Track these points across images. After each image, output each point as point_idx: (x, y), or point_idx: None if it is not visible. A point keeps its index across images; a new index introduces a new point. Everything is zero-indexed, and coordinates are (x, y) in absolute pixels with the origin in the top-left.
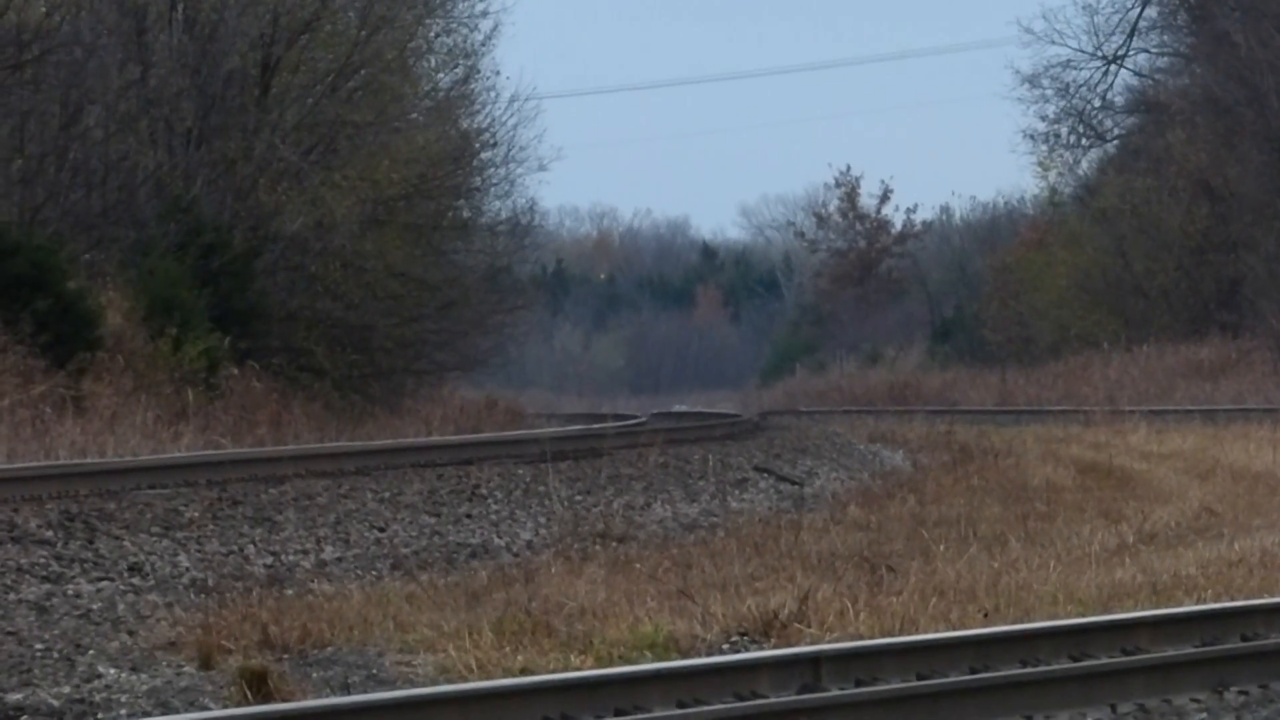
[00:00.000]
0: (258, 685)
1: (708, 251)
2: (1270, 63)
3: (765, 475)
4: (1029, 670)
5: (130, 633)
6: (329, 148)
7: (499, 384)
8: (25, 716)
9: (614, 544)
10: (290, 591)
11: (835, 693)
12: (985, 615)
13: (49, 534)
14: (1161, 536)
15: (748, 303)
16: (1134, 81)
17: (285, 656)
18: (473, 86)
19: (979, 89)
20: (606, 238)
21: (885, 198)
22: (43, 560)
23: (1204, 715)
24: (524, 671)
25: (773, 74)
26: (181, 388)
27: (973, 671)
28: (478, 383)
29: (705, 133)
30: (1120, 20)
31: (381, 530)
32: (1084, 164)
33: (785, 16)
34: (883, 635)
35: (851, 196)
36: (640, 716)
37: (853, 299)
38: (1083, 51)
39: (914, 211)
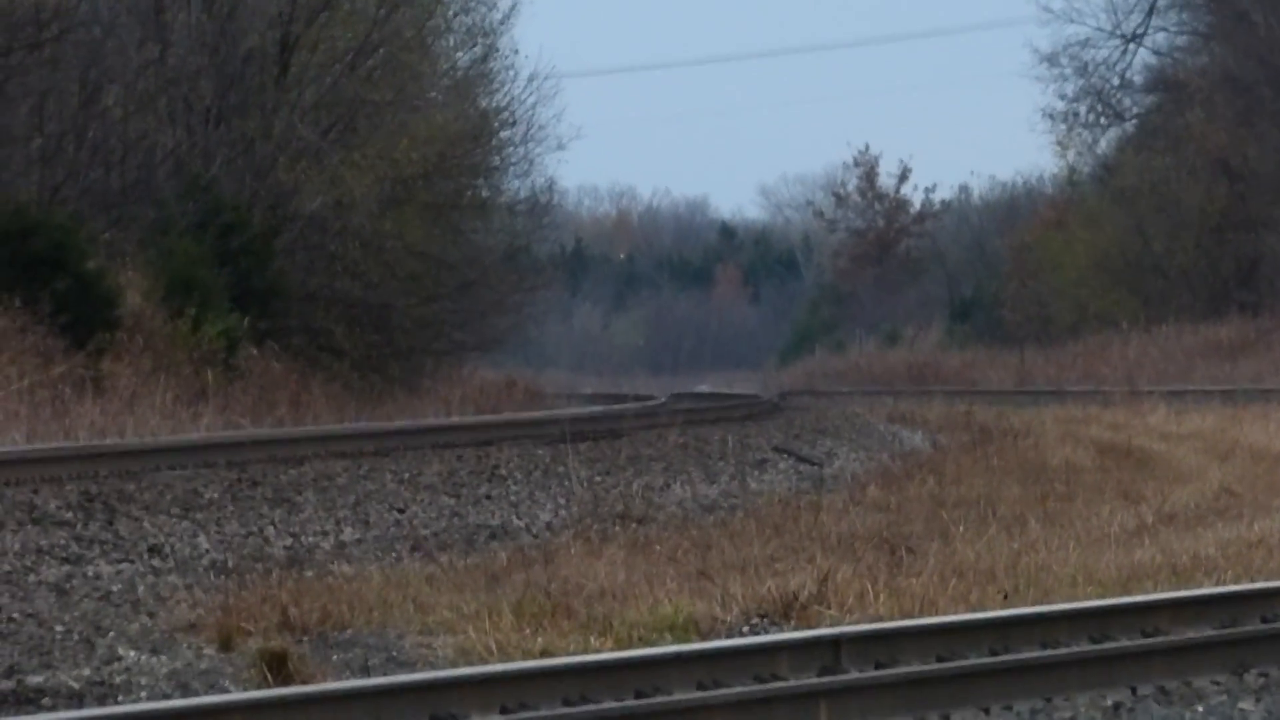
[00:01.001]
0: (278, 667)
1: (727, 231)
2: None
3: (785, 456)
4: (1049, 652)
5: (150, 615)
6: (348, 126)
7: (518, 364)
8: (45, 699)
9: (633, 525)
10: (310, 573)
11: (855, 674)
12: (1005, 597)
13: (68, 515)
14: (1181, 517)
15: (767, 282)
16: (1153, 60)
17: (305, 638)
18: (491, 65)
19: (998, 68)
20: (625, 217)
21: (904, 177)
22: (62, 542)
23: (1224, 697)
24: (544, 653)
25: (791, 53)
26: (201, 368)
27: (992, 653)
28: (497, 363)
29: (724, 112)
30: None
31: (401, 511)
32: (1103, 143)
33: None
34: (902, 617)
35: (870, 176)
36: (660, 699)
37: (872, 279)
38: (1101, 30)
39: (933, 191)
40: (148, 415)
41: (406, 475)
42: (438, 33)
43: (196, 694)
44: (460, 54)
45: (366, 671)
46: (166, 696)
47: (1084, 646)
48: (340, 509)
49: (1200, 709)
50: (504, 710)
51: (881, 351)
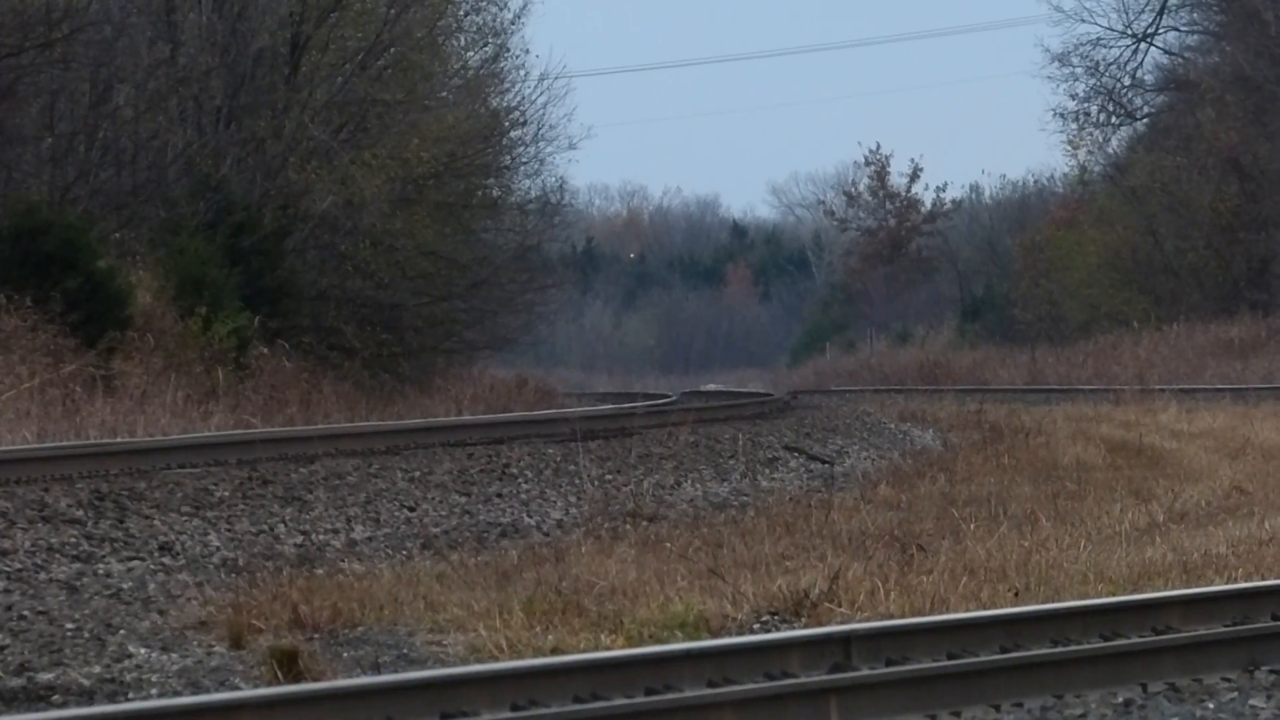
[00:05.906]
0: (288, 665)
1: (738, 230)
2: None
3: (795, 454)
4: (1059, 649)
5: (161, 612)
6: (358, 126)
7: (529, 363)
8: (56, 696)
9: (644, 523)
10: (320, 571)
11: (866, 672)
12: (1015, 594)
13: (79, 513)
14: (1192, 515)
15: (778, 281)
16: (1164, 59)
17: (316, 636)
18: (502, 65)
19: (1009, 67)
20: (636, 216)
21: (915, 176)
22: (73, 539)
23: (1235, 694)
24: (554, 651)
25: (802, 52)
26: (211, 367)
27: (1003, 650)
28: (508, 362)
29: (735, 111)
30: None
31: (412, 510)
32: (1114, 142)
33: None
34: (913, 614)
35: (881, 175)
36: (671, 696)
37: (883, 278)
38: (1113, 29)
39: (944, 190)
40: (158, 414)
41: (417, 473)
42: (448, 32)
43: (207, 691)
44: (471, 54)
45: (377, 669)
46: (177, 694)
47: (1095, 644)
48: (351, 507)
49: (1211, 706)
50: (515, 707)
51: (892, 350)
